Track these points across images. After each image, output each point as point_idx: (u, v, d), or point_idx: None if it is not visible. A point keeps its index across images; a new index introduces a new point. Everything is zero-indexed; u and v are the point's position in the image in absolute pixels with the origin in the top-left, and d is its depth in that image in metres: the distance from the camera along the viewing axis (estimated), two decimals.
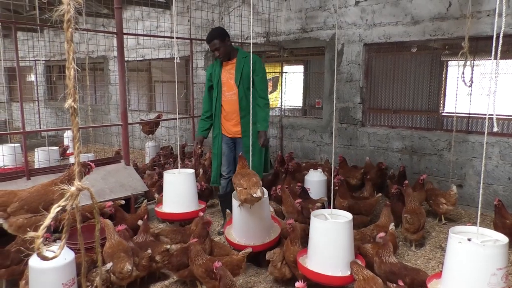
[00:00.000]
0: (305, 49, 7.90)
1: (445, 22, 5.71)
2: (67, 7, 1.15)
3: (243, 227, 3.79)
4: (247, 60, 4.47)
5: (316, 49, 7.77)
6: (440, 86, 8.77)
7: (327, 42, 6.99)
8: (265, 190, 4.03)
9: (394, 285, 3.03)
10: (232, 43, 4.76)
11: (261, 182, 3.56)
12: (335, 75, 4.12)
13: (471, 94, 5.36)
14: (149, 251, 3.41)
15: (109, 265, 3.17)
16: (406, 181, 4.88)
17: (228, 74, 4.63)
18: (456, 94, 5.84)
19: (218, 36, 4.48)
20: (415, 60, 7.68)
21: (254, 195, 3.33)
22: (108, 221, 3.59)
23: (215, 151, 4.84)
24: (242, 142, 4.64)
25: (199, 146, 4.88)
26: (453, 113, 6.50)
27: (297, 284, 2.65)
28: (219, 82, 4.67)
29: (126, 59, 5.48)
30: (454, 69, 8.42)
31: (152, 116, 9.71)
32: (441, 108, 8.78)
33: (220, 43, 4.48)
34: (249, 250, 3.45)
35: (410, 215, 4.16)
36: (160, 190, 4.91)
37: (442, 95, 8.74)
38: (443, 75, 8.75)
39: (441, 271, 2.88)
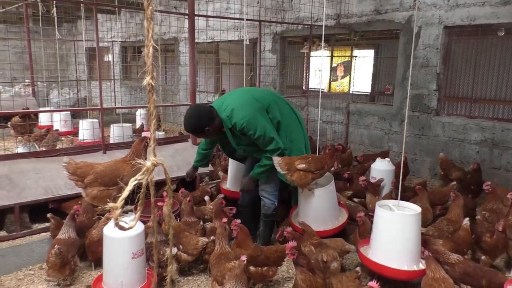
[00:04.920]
0: (377, 32, 7.54)
1: None
2: None
3: (308, 213, 3.80)
4: (235, 128, 3.53)
5: (389, 32, 7.37)
6: None
7: (402, 25, 6.58)
8: (330, 175, 4.00)
9: (469, 287, 2.83)
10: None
11: (300, 165, 3.57)
12: (411, 59, 3.84)
13: None
14: (201, 222, 3.71)
15: (174, 250, 3.29)
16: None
17: (222, 136, 3.84)
18: None
19: (197, 131, 3.61)
20: (501, 45, 6.98)
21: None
22: (165, 209, 3.66)
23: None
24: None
25: (188, 179, 4.37)
26: None
27: (370, 283, 2.54)
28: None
29: (196, 40, 5.57)
30: None
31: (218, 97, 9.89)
32: None
33: (203, 135, 3.70)
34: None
35: (489, 212, 3.85)
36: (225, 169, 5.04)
37: None
38: None
39: None
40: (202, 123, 3.50)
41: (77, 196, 4.16)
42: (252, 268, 3.07)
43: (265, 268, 3.14)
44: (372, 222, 3.34)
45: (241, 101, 3.59)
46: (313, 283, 2.66)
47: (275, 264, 3.18)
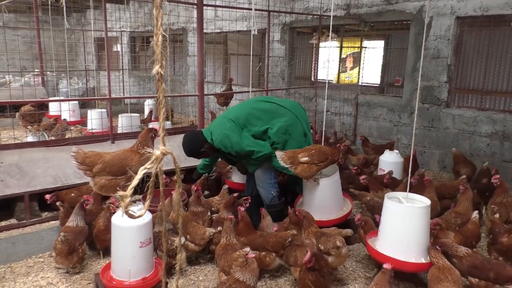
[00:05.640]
0: (387, 22, 7.44)
1: None
2: None
3: (312, 203, 3.82)
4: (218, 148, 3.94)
5: (400, 22, 7.27)
6: None
7: (413, 15, 6.49)
8: (335, 166, 4.01)
9: (477, 279, 2.81)
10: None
11: (302, 158, 3.62)
12: (422, 50, 3.77)
13: None
14: (209, 213, 3.75)
15: (182, 240, 3.30)
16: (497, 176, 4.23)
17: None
18: None
19: (195, 154, 4.05)
20: None
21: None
22: (173, 197, 3.68)
23: None
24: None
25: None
26: None
27: (385, 265, 2.57)
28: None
29: (204, 31, 5.54)
30: None
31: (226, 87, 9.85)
32: None
33: (203, 156, 4.12)
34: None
35: (498, 206, 3.82)
36: None
37: None
38: None
39: None
40: (195, 146, 3.94)
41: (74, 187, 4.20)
42: None
43: (263, 252, 3.16)
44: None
45: (216, 124, 3.97)
46: (322, 283, 2.68)
47: (274, 249, 3.17)
